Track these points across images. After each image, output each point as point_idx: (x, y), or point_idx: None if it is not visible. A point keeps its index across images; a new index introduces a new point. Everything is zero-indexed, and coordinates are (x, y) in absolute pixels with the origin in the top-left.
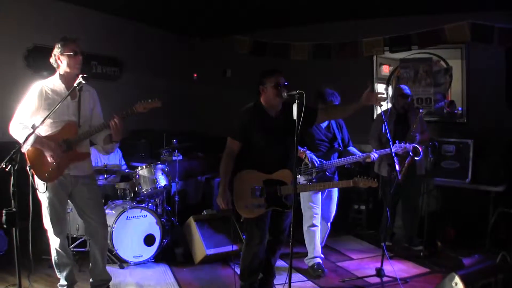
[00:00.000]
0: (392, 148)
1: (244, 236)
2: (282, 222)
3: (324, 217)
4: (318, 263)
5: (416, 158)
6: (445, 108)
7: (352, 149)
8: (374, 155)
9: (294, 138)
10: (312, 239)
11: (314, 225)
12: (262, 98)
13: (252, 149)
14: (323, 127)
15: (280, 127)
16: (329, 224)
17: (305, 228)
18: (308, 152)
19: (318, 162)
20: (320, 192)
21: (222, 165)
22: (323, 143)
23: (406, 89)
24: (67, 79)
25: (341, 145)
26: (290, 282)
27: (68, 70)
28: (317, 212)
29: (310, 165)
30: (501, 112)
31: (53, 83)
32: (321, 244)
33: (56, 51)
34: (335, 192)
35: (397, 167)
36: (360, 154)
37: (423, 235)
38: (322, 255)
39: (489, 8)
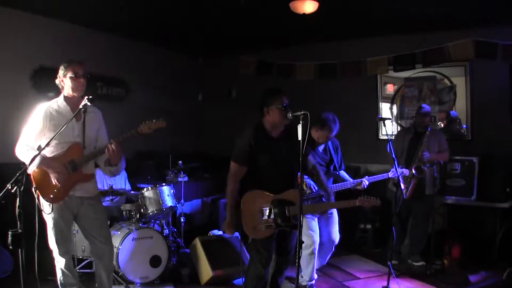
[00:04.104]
0: (397, 167)
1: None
2: (290, 242)
3: (326, 243)
4: (311, 284)
5: (420, 177)
6: (441, 122)
7: (342, 173)
8: (365, 182)
9: (297, 158)
10: (310, 264)
11: (313, 252)
12: (266, 119)
13: (259, 171)
14: (320, 150)
15: (284, 149)
16: (333, 246)
17: (304, 253)
18: (306, 178)
19: (316, 189)
20: (316, 218)
21: (230, 189)
22: (320, 167)
23: (425, 107)
24: (71, 100)
25: (337, 168)
26: None
27: (70, 92)
28: (315, 239)
29: (308, 190)
30: (506, 128)
31: (58, 104)
32: (324, 263)
33: (60, 72)
34: (334, 214)
35: (402, 186)
36: (353, 180)
37: (429, 252)
38: (317, 276)
39: (492, 24)
